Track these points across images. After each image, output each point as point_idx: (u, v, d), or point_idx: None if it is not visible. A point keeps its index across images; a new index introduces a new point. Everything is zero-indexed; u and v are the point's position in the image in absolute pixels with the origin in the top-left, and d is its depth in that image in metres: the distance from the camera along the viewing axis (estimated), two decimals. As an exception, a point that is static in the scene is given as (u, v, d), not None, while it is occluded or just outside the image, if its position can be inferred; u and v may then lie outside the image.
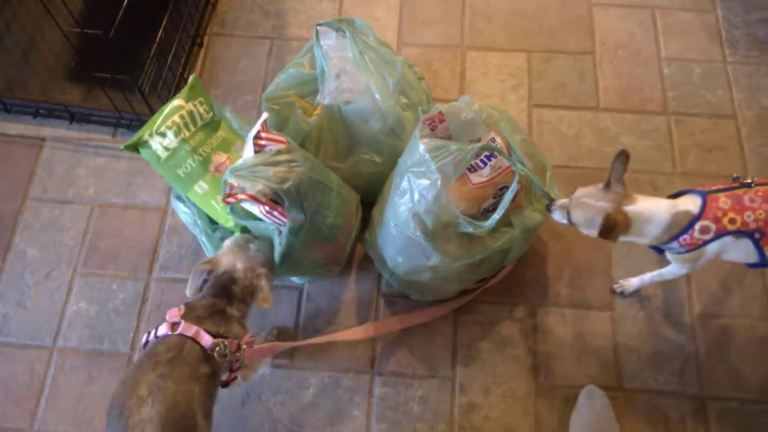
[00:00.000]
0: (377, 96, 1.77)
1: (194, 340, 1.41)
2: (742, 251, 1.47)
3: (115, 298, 1.99)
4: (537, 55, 2.39)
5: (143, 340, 1.46)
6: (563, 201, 1.58)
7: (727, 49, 2.38)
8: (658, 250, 1.59)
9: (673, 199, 1.52)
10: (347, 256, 1.94)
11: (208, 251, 1.79)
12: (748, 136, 2.20)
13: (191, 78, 1.73)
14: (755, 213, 1.42)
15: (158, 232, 2.09)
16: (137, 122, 2.21)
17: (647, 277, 1.85)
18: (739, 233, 1.43)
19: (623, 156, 1.44)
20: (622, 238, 1.49)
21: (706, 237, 1.45)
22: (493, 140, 1.76)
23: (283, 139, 1.60)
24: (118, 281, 2.02)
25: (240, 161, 1.54)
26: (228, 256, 1.59)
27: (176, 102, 1.68)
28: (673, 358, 1.88)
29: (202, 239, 1.80)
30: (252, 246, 1.63)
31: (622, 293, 1.95)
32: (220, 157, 1.69)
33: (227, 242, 1.65)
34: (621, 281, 1.94)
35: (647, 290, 1.96)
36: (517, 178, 1.60)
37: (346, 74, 1.84)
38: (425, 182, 1.57)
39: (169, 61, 2.23)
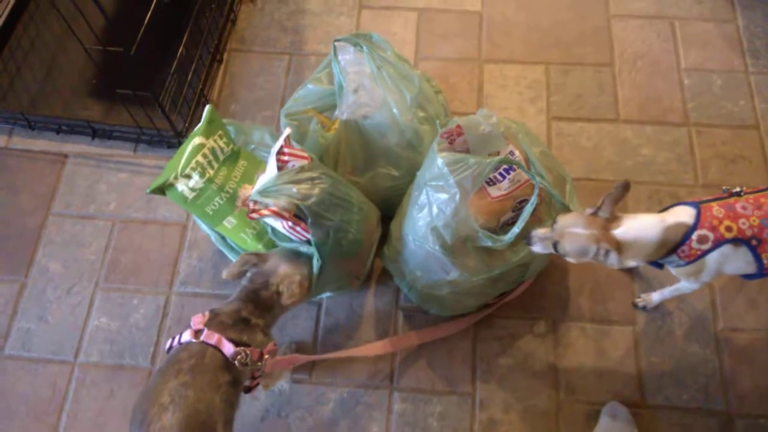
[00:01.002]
0: (395, 110, 1.77)
1: (216, 348, 1.42)
2: (742, 261, 1.45)
3: (135, 312, 2.01)
4: (555, 68, 2.38)
5: (167, 345, 1.48)
6: (543, 232, 1.51)
7: (749, 59, 2.36)
8: (657, 265, 1.56)
9: (662, 213, 1.49)
10: (367, 271, 1.94)
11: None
12: (772, 147, 2.18)
13: (207, 110, 1.69)
14: (749, 220, 1.41)
15: (178, 247, 2.10)
16: (158, 138, 2.24)
17: (667, 291, 1.82)
18: (736, 241, 1.41)
19: (624, 186, 1.42)
20: (619, 262, 1.46)
21: (705, 247, 1.42)
22: (511, 153, 1.75)
23: (305, 154, 1.61)
24: (138, 296, 2.03)
25: (264, 180, 1.55)
26: (276, 258, 1.60)
27: (197, 140, 1.64)
28: (698, 373, 1.84)
29: (228, 252, 1.81)
30: (303, 257, 1.64)
31: (644, 308, 1.92)
32: (246, 191, 1.67)
33: (282, 247, 1.66)
34: (643, 295, 1.91)
35: (670, 304, 1.93)
36: (536, 191, 1.58)
37: (364, 89, 1.85)
38: (444, 196, 1.57)
39: (190, 77, 2.26)
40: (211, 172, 1.65)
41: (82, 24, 1.84)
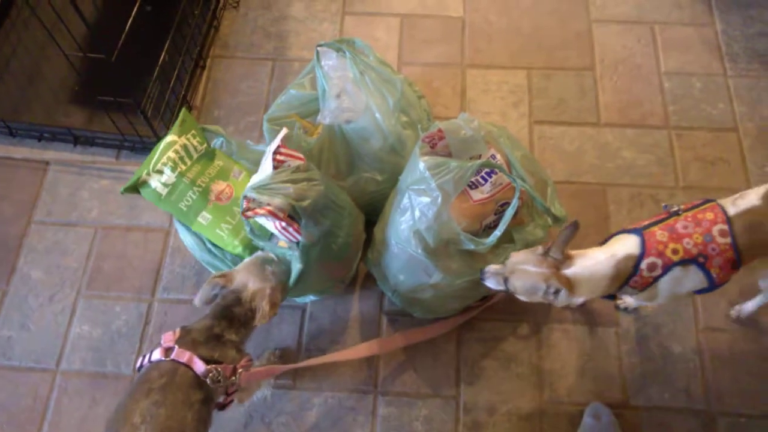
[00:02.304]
0: (377, 115, 1.78)
1: (187, 366, 1.40)
2: (694, 279, 1.45)
3: (118, 320, 1.99)
4: (537, 72, 2.40)
5: (138, 363, 1.45)
6: (496, 267, 1.51)
7: (727, 62, 2.39)
8: (609, 296, 1.55)
9: (609, 246, 1.48)
10: (352, 275, 1.94)
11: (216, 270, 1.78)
12: (750, 149, 2.20)
13: (182, 113, 1.71)
14: (692, 238, 1.41)
15: (161, 254, 2.09)
16: (140, 144, 2.23)
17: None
18: (684, 262, 1.41)
19: (574, 227, 1.42)
20: (568, 299, 1.45)
21: (655, 273, 1.42)
22: (493, 157, 1.76)
23: (300, 155, 1.60)
24: (121, 303, 2.02)
25: (260, 176, 1.54)
26: (242, 274, 1.57)
27: (169, 138, 1.66)
28: (679, 373, 1.86)
29: (207, 259, 1.80)
30: (268, 267, 1.60)
31: (626, 309, 1.93)
32: (220, 186, 1.68)
33: (246, 260, 1.63)
34: (625, 297, 1.93)
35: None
36: (517, 194, 1.59)
37: (347, 94, 1.85)
38: (426, 200, 1.57)
39: (172, 84, 2.25)
40: (183, 167, 1.67)
41: (64, 31, 1.83)
